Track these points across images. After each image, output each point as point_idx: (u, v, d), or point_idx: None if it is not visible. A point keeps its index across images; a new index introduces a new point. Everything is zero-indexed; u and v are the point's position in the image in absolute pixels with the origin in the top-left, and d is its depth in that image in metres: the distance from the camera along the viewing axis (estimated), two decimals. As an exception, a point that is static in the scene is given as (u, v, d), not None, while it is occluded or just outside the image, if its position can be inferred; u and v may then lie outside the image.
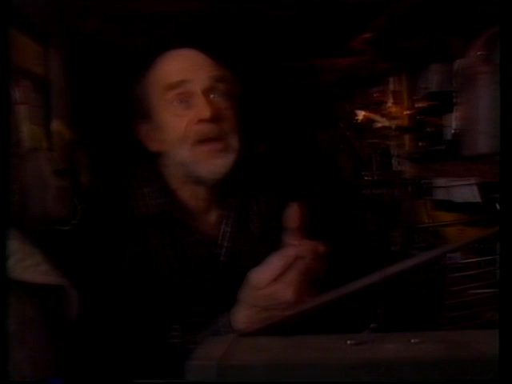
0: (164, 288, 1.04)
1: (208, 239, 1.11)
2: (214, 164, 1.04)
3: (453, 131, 1.56)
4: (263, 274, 0.85)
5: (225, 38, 1.47)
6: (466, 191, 1.55)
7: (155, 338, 0.97)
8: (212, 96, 1.06)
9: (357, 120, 2.23)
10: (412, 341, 0.59)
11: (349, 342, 0.60)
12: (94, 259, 1.03)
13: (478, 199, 1.49)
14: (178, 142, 1.05)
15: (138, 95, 1.10)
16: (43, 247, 0.81)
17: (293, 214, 0.86)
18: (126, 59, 1.40)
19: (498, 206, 1.39)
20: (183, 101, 1.05)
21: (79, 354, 0.86)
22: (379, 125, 2.11)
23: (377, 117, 2.10)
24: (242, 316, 0.89)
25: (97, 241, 1.04)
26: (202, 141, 1.04)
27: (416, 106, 1.86)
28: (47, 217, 1.13)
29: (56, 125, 1.29)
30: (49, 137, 1.26)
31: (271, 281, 0.84)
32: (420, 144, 1.84)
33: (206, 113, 1.02)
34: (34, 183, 1.07)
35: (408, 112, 1.92)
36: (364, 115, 2.18)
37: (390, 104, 2.02)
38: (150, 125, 1.09)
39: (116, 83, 1.39)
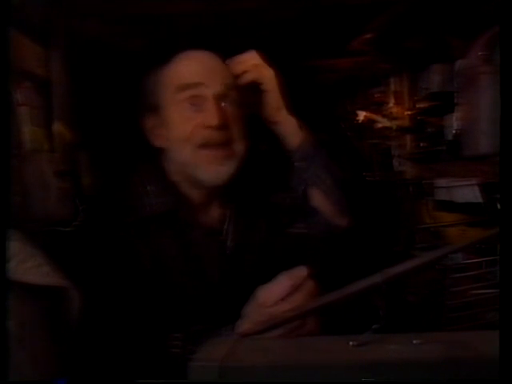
0: (171, 288, 1.03)
1: (213, 229, 1.11)
2: (216, 170, 1.05)
3: (454, 131, 1.56)
4: (271, 292, 0.85)
5: (225, 38, 1.48)
6: (468, 192, 1.55)
7: (157, 345, 0.96)
8: (223, 103, 1.06)
9: (358, 121, 2.23)
10: (414, 342, 0.59)
11: (351, 343, 0.60)
12: (96, 260, 1.02)
13: (480, 200, 1.49)
14: (181, 142, 1.05)
15: (148, 90, 1.10)
16: (45, 248, 0.81)
17: None
18: (129, 58, 1.40)
19: (499, 207, 1.39)
20: (194, 104, 1.05)
21: (80, 355, 0.86)
22: (380, 125, 2.10)
23: (378, 117, 2.10)
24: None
25: (99, 242, 1.04)
26: (206, 145, 1.04)
27: (417, 106, 1.86)
28: (49, 218, 1.13)
29: (57, 126, 1.29)
30: (50, 138, 1.26)
31: (278, 300, 0.84)
32: (421, 144, 1.84)
33: (214, 120, 1.03)
34: (35, 184, 1.07)
35: (409, 112, 1.92)
36: (365, 116, 2.18)
37: (391, 104, 2.01)
38: (156, 120, 1.09)
39: (119, 81, 1.38)
